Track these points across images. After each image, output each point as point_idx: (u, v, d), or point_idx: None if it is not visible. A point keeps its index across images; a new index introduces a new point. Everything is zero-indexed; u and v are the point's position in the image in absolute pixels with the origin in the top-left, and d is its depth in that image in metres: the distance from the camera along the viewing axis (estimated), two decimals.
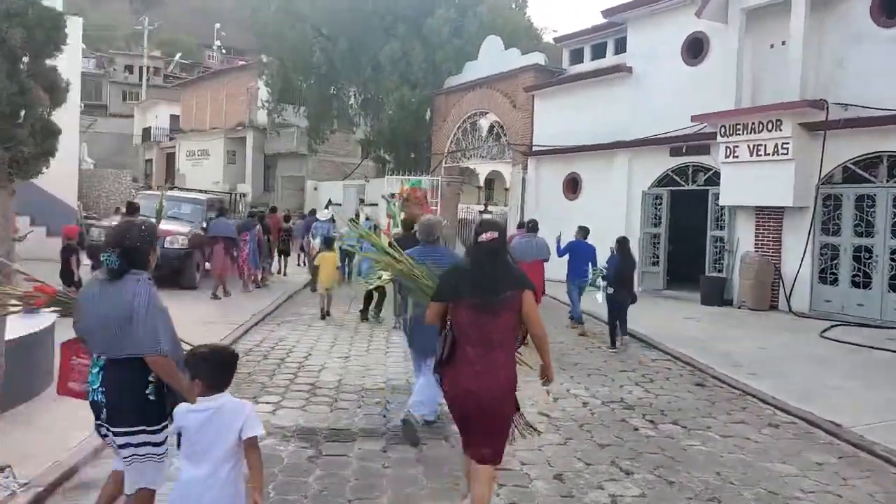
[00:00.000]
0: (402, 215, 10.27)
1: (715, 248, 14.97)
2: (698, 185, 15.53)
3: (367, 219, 17.26)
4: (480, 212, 25.68)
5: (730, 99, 14.34)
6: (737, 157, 13.90)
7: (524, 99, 20.37)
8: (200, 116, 38.05)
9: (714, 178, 14.86)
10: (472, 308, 3.52)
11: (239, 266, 12.83)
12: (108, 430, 3.08)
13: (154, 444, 3.08)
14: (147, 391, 3.04)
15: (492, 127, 22.36)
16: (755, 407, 6.76)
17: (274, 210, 18.10)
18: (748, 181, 13.68)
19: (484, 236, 3.63)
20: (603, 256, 10.67)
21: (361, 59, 24.70)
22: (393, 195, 18.32)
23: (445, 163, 24.21)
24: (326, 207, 27.40)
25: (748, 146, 13.67)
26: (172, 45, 59.22)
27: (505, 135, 21.41)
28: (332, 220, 15.86)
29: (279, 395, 6.18)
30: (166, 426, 3.06)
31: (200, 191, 18.64)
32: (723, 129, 14.09)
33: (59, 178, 14.78)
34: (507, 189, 27.95)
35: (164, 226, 11.80)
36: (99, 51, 56.59)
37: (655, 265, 16.33)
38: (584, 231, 11.78)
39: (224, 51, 45.33)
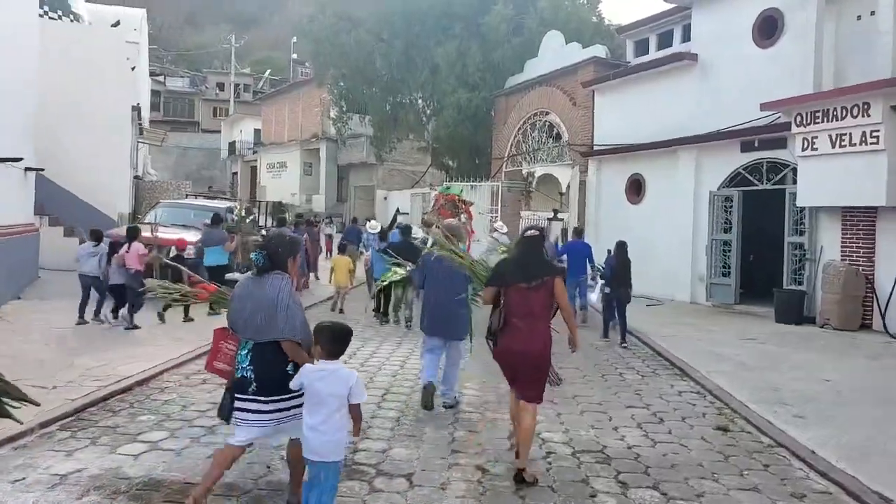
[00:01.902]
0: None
1: (794, 256, 12.88)
2: (774, 185, 13.48)
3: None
4: (549, 219, 24.11)
5: (807, 83, 12.36)
6: (816, 149, 11.88)
7: (584, 96, 18.82)
8: (279, 129, 38.66)
9: (792, 176, 12.82)
10: (518, 289, 4.64)
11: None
12: (253, 402, 3.68)
13: (298, 406, 3.68)
14: (287, 368, 3.70)
15: (551, 127, 20.88)
16: (783, 465, 5.15)
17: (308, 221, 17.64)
18: (831, 177, 11.63)
19: (528, 232, 4.94)
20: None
21: (417, 62, 23.89)
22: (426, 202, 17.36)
23: (506, 167, 22.94)
24: (393, 219, 26.82)
25: (829, 136, 11.63)
26: (266, 62, 61.15)
27: (565, 135, 19.89)
28: (381, 232, 14.93)
29: (168, 433, 5.22)
30: (297, 394, 3.68)
31: (226, 198, 18.36)
32: (798, 118, 12.10)
33: (100, 189, 14.90)
34: (561, 193, 26.38)
35: (173, 235, 11.42)
36: (197, 70, 59.38)
37: (726, 276, 14.34)
38: (578, 231, 13.01)
39: (305, 64, 46.10)
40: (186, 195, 20.15)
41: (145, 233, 10.37)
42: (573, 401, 6.74)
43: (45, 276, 12.96)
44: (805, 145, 12.07)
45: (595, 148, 18.26)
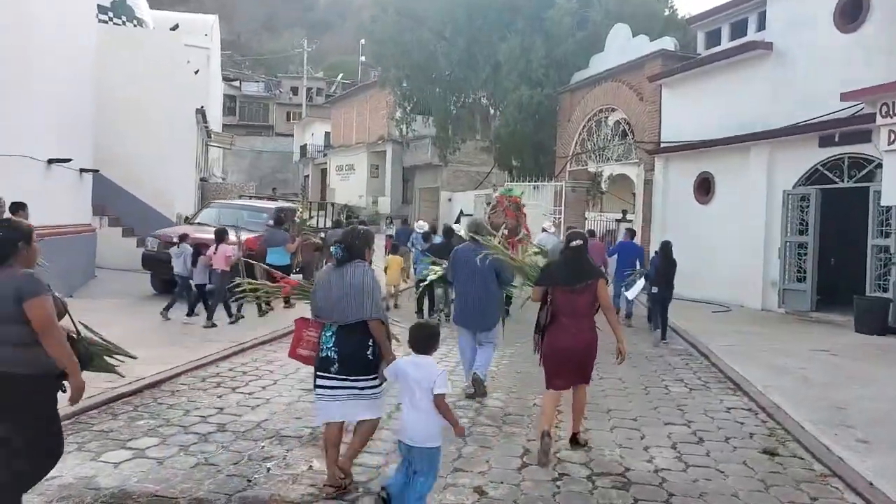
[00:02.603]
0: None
1: (878, 260, 11.69)
2: (856, 182, 12.33)
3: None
4: (618, 220, 23.15)
5: (895, 70, 11.19)
6: None
7: (651, 90, 17.91)
8: (347, 132, 39.07)
9: (877, 172, 11.66)
10: (565, 291, 5.09)
11: None
12: (334, 379, 4.05)
13: (372, 387, 4.13)
14: (368, 351, 4.10)
15: (618, 124, 20.02)
16: (833, 498, 4.46)
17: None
18: None
19: (574, 242, 5.24)
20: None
21: (479, 60, 23.47)
22: (489, 203, 17.05)
23: (570, 166, 22.20)
24: (457, 220, 26.51)
25: None
26: (339, 67, 62.17)
27: (631, 132, 19.01)
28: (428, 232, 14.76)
29: (160, 439, 5.01)
30: (377, 375, 4.12)
31: (283, 199, 18.47)
32: (884, 108, 10.96)
33: (160, 190, 15.25)
34: (634, 194, 25.35)
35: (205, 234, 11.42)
36: (273, 75, 60.99)
37: (801, 281, 13.23)
38: (631, 233, 13.13)
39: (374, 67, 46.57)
40: (251, 197, 20.45)
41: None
42: (606, 415, 6.17)
43: (102, 275, 13.31)
44: (892, 138, 10.90)
45: (662, 145, 17.34)
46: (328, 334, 4.13)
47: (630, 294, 11.10)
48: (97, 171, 12.63)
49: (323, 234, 17.03)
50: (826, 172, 12.92)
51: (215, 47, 31.23)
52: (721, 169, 15.44)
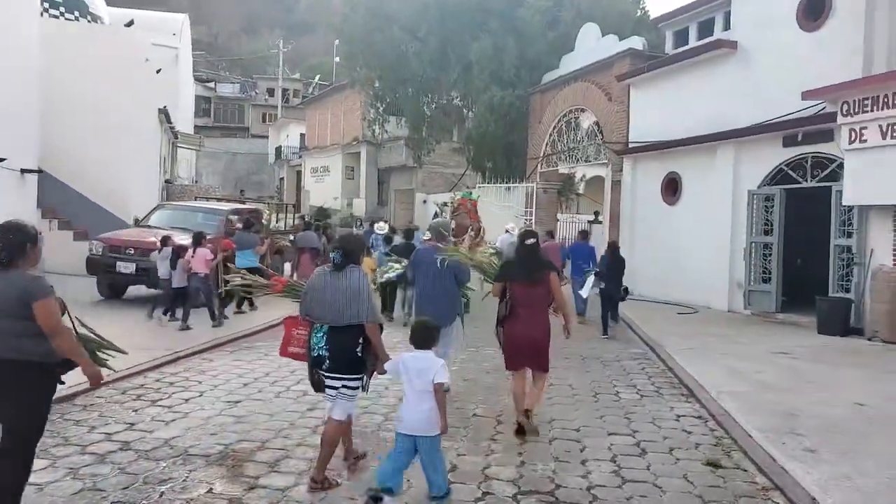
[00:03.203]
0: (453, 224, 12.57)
1: (840, 260, 11.55)
2: (819, 182, 12.19)
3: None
4: (590, 222, 22.94)
5: (857, 68, 11.10)
6: (865, 141, 10.62)
7: (620, 90, 17.74)
8: (322, 133, 38.61)
9: (839, 172, 11.52)
10: (522, 284, 5.65)
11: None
12: (326, 376, 4.25)
13: (353, 388, 4.29)
14: (357, 349, 4.25)
15: (587, 124, 19.82)
16: None
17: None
18: (882, 172, 10.34)
19: (528, 241, 5.85)
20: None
21: (452, 60, 23.19)
22: (446, 204, 16.98)
23: (541, 167, 21.97)
24: (434, 219, 26.09)
25: (880, 126, 10.37)
26: (318, 68, 61.59)
27: (600, 132, 18.82)
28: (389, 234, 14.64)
29: (49, 461, 4.62)
30: (363, 376, 4.33)
31: (242, 201, 18.04)
32: (845, 107, 10.85)
33: (117, 192, 14.78)
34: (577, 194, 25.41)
35: (157, 237, 11.03)
36: (249, 77, 60.27)
37: (766, 282, 13.06)
38: (583, 234, 14.10)
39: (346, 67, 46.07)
40: (217, 199, 19.99)
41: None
42: (547, 426, 5.87)
43: (51, 280, 12.73)
44: (853, 137, 10.80)
45: (630, 145, 17.16)
46: (319, 335, 4.28)
47: (583, 292, 11.47)
48: (40, 171, 12.16)
49: (292, 237, 16.78)
50: (790, 172, 12.78)
51: (185, 47, 30.68)
52: (688, 169, 15.28)
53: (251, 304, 11.50)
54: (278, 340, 8.69)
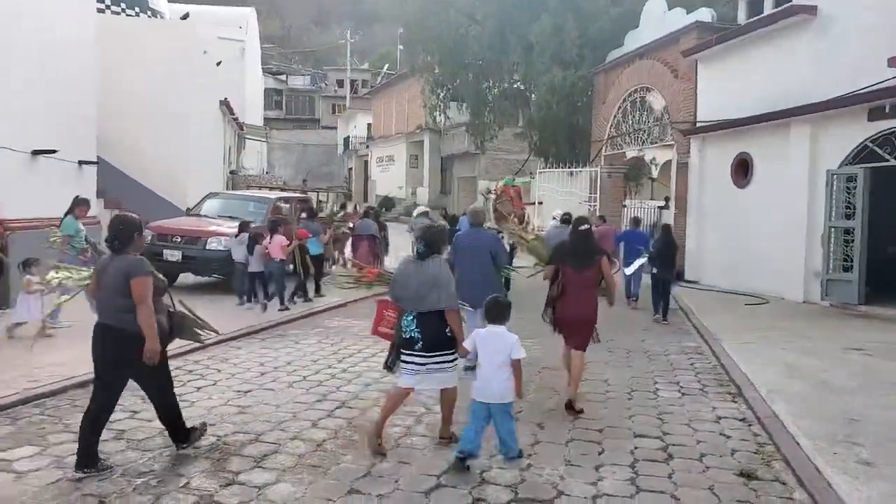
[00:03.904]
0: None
1: None
2: None
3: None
4: (660, 207, 21.89)
5: None
6: None
7: (687, 67, 16.70)
8: (387, 123, 38.68)
9: None
10: (573, 267, 5.97)
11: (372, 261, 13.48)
12: (419, 356, 4.59)
13: (451, 361, 4.70)
14: (446, 330, 4.63)
15: (652, 105, 18.82)
16: None
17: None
18: None
19: (581, 227, 6.21)
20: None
21: (511, 42, 22.54)
22: (490, 192, 16.64)
23: (605, 150, 21.09)
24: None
25: None
26: (388, 58, 61.87)
27: (666, 112, 17.83)
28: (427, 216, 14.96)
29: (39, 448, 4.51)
30: (455, 353, 4.70)
31: (285, 189, 18.08)
32: None
33: (174, 183, 15.12)
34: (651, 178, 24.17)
35: (206, 225, 11.12)
36: (319, 68, 61.14)
37: (847, 271, 11.93)
38: (636, 221, 13.95)
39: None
40: (280, 188, 20.25)
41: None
42: (568, 424, 5.41)
43: None
44: None
45: (698, 125, 16.14)
46: (409, 318, 4.64)
47: (628, 270, 11.69)
48: (97, 162, 12.47)
49: (351, 225, 16.87)
50: (876, 149, 11.60)
51: (252, 40, 31.30)
52: (760, 149, 14.19)
53: (318, 291, 11.68)
54: (314, 328, 8.72)
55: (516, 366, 4.45)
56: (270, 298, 10.28)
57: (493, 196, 15.38)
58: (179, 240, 11.08)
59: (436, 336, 4.59)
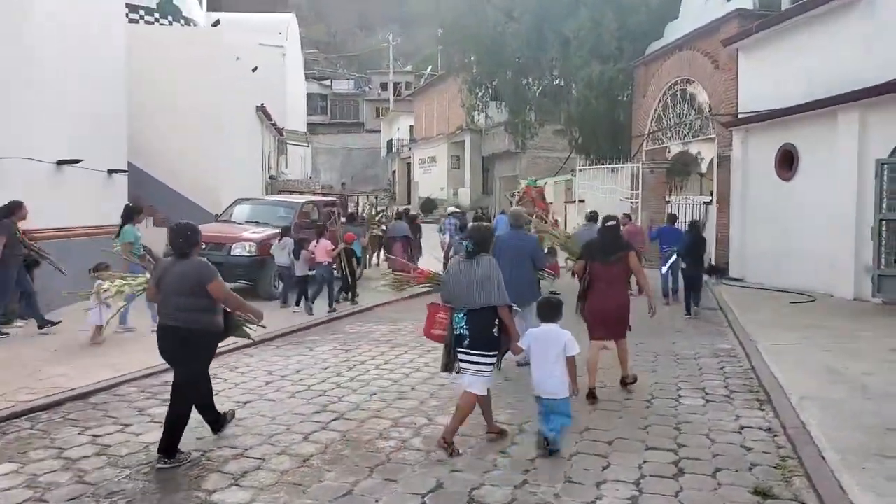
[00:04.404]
0: None
1: None
2: None
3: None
4: (706, 203, 21.11)
5: None
6: None
7: (727, 57, 16.05)
8: (429, 124, 38.61)
9: None
10: (602, 263, 6.22)
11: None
12: (466, 353, 4.68)
13: (488, 363, 4.72)
14: (493, 329, 4.68)
15: (693, 97, 18.15)
16: None
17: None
18: None
19: (609, 223, 6.52)
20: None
21: (549, 38, 22.12)
22: (513, 194, 16.56)
23: (646, 145, 20.47)
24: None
25: None
26: (431, 60, 61.93)
27: (708, 104, 17.16)
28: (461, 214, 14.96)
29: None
30: (496, 354, 4.75)
31: (318, 193, 18.07)
32: None
33: (210, 190, 15.31)
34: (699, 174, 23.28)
35: (231, 231, 11.16)
36: (363, 72, 61.57)
37: None
38: (672, 218, 13.51)
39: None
40: (316, 192, 20.36)
41: None
42: (577, 437, 5.09)
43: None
44: None
45: (739, 116, 15.47)
46: (460, 315, 4.74)
47: (663, 269, 11.95)
48: (126, 171, 12.67)
49: (384, 227, 16.95)
50: None
51: (293, 45, 31.60)
52: (806, 139, 13.48)
53: (354, 297, 11.61)
54: (332, 334, 8.61)
55: (570, 362, 4.68)
56: (313, 301, 10.43)
57: (515, 198, 15.24)
58: (204, 246, 11.10)
59: (482, 333, 4.68)
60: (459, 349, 4.73)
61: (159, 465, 4.32)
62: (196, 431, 5.09)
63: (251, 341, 6.04)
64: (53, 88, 10.04)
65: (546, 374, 4.67)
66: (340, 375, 6.82)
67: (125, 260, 8.35)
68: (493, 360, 4.74)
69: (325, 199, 15.42)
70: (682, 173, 24.79)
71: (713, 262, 15.09)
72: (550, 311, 4.89)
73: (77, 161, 10.24)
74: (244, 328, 5.32)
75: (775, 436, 5.14)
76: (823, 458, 4.51)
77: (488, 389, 4.88)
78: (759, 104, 14.73)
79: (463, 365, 4.75)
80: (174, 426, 4.43)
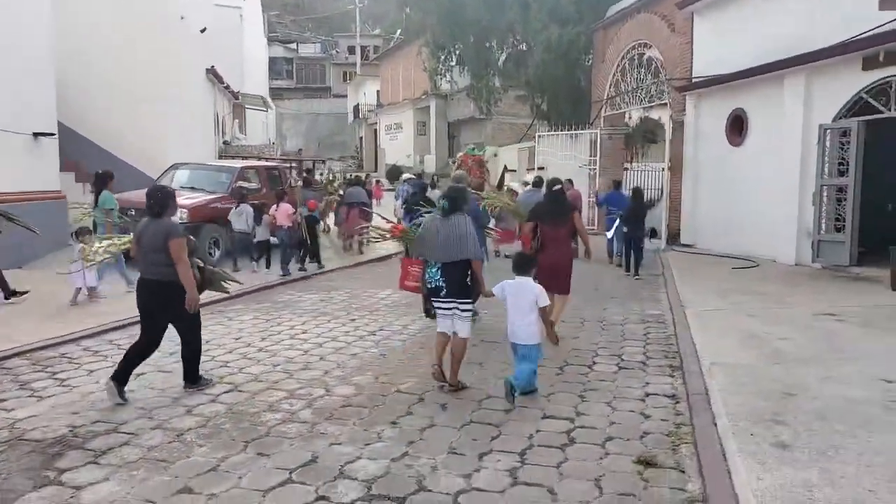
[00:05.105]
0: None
1: None
2: None
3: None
4: (663, 170, 20.99)
5: None
6: None
7: (683, 21, 15.80)
8: (395, 89, 37.94)
9: None
10: (550, 223, 6.82)
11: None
12: (443, 301, 5.20)
13: (467, 309, 5.26)
14: (466, 279, 5.20)
15: (650, 62, 17.92)
16: None
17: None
18: None
19: (555, 187, 7.08)
20: None
21: (508, 1, 21.70)
22: (453, 161, 16.58)
23: (605, 111, 20.26)
24: (502, 176, 25.24)
25: None
26: (399, 23, 60.66)
27: (663, 69, 16.96)
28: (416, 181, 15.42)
29: None
30: (472, 302, 5.38)
31: (264, 159, 17.70)
32: None
33: (154, 155, 14.84)
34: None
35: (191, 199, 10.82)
36: (331, 35, 60.16)
37: (839, 231, 11.20)
38: (616, 183, 14.24)
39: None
40: (275, 158, 19.91)
41: None
42: (474, 404, 4.97)
43: None
44: None
45: (693, 81, 15.30)
46: (434, 269, 5.16)
47: (608, 234, 12.65)
48: (54, 134, 12.16)
49: (342, 192, 16.90)
50: (871, 101, 10.77)
51: (252, 7, 30.66)
52: (755, 104, 13.37)
53: (319, 262, 11.87)
54: (259, 303, 8.42)
55: (542, 313, 5.07)
56: (269, 266, 11.00)
57: (454, 165, 15.29)
58: (135, 212, 10.77)
59: (458, 283, 5.11)
60: (436, 299, 5.20)
61: (187, 388, 5.17)
62: (82, 404, 4.88)
63: (228, 294, 6.81)
64: None
65: (519, 322, 5.03)
66: (250, 346, 6.62)
67: (108, 223, 8.73)
68: (469, 305, 5.24)
69: (266, 164, 14.99)
70: (646, 140, 24.64)
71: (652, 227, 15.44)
72: (524, 264, 5.26)
73: None
74: (221, 283, 5.82)
75: (677, 402, 5.07)
76: (716, 424, 4.43)
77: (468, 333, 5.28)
78: (712, 69, 14.56)
79: (440, 312, 5.24)
80: (193, 357, 5.25)
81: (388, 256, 12.83)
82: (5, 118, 10.32)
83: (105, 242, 6.73)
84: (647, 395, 5.27)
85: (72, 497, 3.50)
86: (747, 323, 7.32)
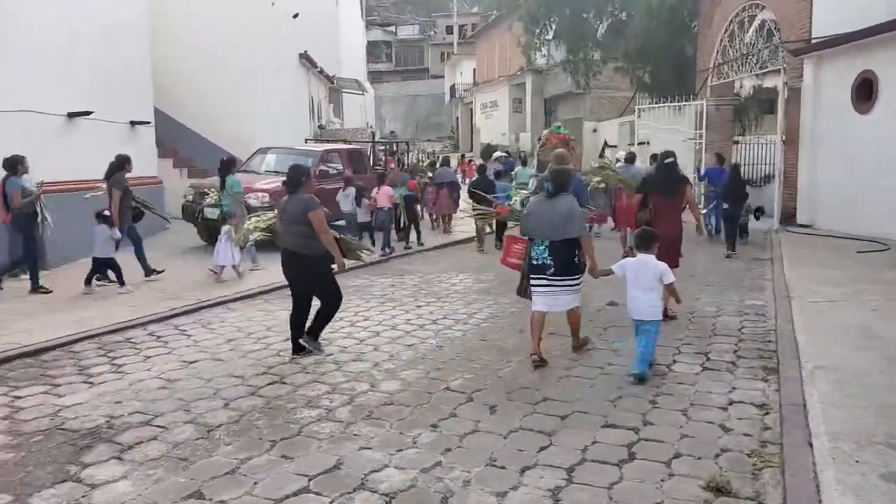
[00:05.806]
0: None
1: None
2: None
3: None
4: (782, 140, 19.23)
5: None
6: None
7: None
8: (491, 67, 37.18)
9: None
10: (660, 195, 6.87)
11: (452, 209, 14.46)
12: (549, 280, 5.28)
13: (575, 285, 5.38)
14: (575, 258, 5.32)
15: (762, 24, 16.32)
16: None
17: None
18: None
19: (668, 160, 7.10)
20: None
21: None
22: (539, 139, 15.84)
23: (712, 80, 18.74)
24: (601, 153, 24.31)
25: None
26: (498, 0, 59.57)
27: (777, 31, 15.40)
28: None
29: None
30: (580, 277, 5.43)
31: (346, 142, 17.55)
32: None
33: (247, 139, 15.17)
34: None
35: (247, 181, 10.88)
36: (429, 16, 59.91)
37: None
38: (720, 158, 13.56)
39: None
40: (369, 141, 19.99)
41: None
42: (529, 408, 4.48)
43: (177, 226, 13.05)
44: None
45: (812, 42, 13.76)
46: (541, 248, 5.29)
47: (703, 210, 11.99)
48: (149, 122, 12.54)
49: (431, 174, 16.86)
50: None
51: None
52: (887, 66, 11.81)
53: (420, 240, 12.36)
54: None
55: (671, 288, 5.16)
56: (375, 245, 11.13)
57: (538, 144, 14.54)
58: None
59: (566, 262, 5.23)
60: (540, 276, 5.28)
61: (304, 340, 5.61)
62: (123, 394, 4.82)
63: (363, 263, 8.08)
64: (68, 43, 9.94)
65: (641, 297, 5.04)
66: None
67: (237, 204, 9.12)
68: (578, 280, 5.35)
69: (348, 147, 14.91)
70: (761, 110, 22.74)
71: (759, 205, 14.60)
72: (647, 241, 5.20)
73: (88, 113, 10.12)
74: (357, 252, 6.46)
75: (766, 413, 4.35)
76: (811, 445, 3.71)
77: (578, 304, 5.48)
78: (834, 28, 13.00)
79: (544, 290, 5.30)
80: (325, 319, 5.70)
81: (471, 239, 12.40)
82: (105, 108, 10.70)
83: (253, 220, 7.60)
84: (731, 402, 4.57)
85: (83, 496, 3.35)
86: (866, 318, 6.35)
